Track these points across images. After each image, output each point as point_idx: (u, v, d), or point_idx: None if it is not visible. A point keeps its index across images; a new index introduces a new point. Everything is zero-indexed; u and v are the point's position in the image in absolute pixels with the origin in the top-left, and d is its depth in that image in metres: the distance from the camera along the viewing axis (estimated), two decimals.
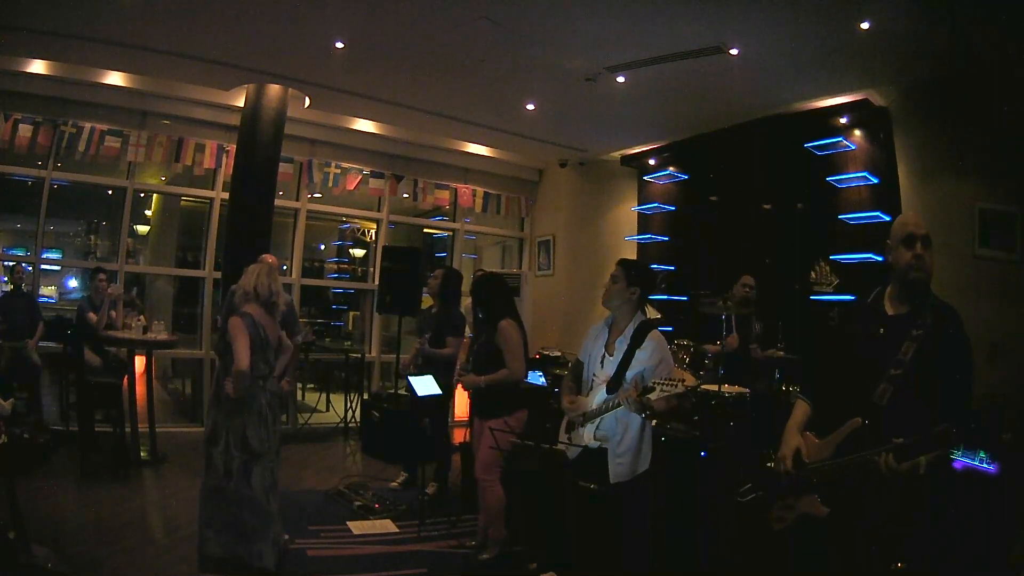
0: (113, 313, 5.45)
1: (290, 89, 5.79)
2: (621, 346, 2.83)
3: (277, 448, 3.36)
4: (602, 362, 2.88)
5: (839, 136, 4.92)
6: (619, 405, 2.70)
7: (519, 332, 3.60)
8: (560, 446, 2.89)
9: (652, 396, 2.54)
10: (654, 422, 3.85)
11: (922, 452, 1.84)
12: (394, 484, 4.92)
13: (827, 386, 2.29)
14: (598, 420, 2.80)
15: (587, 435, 2.82)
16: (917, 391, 1.98)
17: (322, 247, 10.50)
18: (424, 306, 5.21)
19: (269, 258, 4.11)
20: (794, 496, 2.21)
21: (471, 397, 3.85)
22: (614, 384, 2.78)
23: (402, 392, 5.08)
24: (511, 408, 3.52)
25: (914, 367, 2.00)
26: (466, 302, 6.42)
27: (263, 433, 3.20)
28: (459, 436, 6.92)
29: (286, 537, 3.57)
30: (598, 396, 2.83)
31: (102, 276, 5.66)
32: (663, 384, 2.54)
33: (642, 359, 2.77)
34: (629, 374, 2.77)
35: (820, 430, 2.21)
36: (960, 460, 3.00)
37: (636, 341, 2.80)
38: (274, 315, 3.37)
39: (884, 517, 2.02)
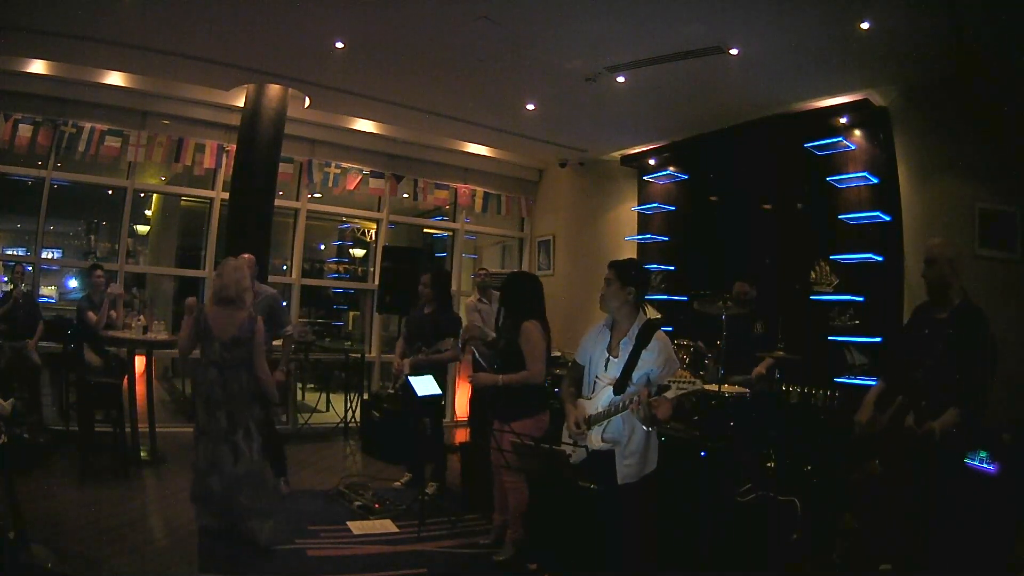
0: (113, 313, 5.44)
1: (290, 89, 5.79)
2: (626, 347, 2.82)
3: (226, 430, 3.38)
4: (606, 365, 2.86)
5: (839, 136, 4.92)
6: (625, 409, 2.69)
7: (542, 334, 3.57)
8: (565, 447, 2.88)
9: (669, 395, 2.55)
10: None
11: (937, 414, 2.56)
12: (398, 484, 4.92)
13: (896, 370, 3.03)
14: (605, 422, 2.79)
15: (594, 437, 2.80)
16: (946, 374, 2.66)
17: (322, 247, 10.50)
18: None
19: (244, 256, 4.30)
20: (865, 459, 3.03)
21: (489, 398, 3.82)
22: (620, 385, 2.77)
23: (392, 391, 5.11)
24: (534, 410, 3.50)
25: (945, 356, 2.70)
26: (470, 300, 6.44)
27: (204, 415, 3.45)
28: (459, 436, 6.95)
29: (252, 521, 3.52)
30: (603, 398, 2.82)
31: (99, 273, 5.65)
32: (679, 383, 2.56)
33: (649, 360, 2.76)
34: (636, 375, 2.76)
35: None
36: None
37: (642, 341, 2.79)
38: (236, 309, 3.43)
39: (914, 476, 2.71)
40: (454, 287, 8.22)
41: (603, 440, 2.79)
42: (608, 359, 2.86)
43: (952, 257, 2.87)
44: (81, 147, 5.95)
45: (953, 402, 2.61)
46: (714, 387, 4.16)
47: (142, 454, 5.08)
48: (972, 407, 2.64)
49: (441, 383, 4.23)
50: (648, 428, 2.71)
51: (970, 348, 2.66)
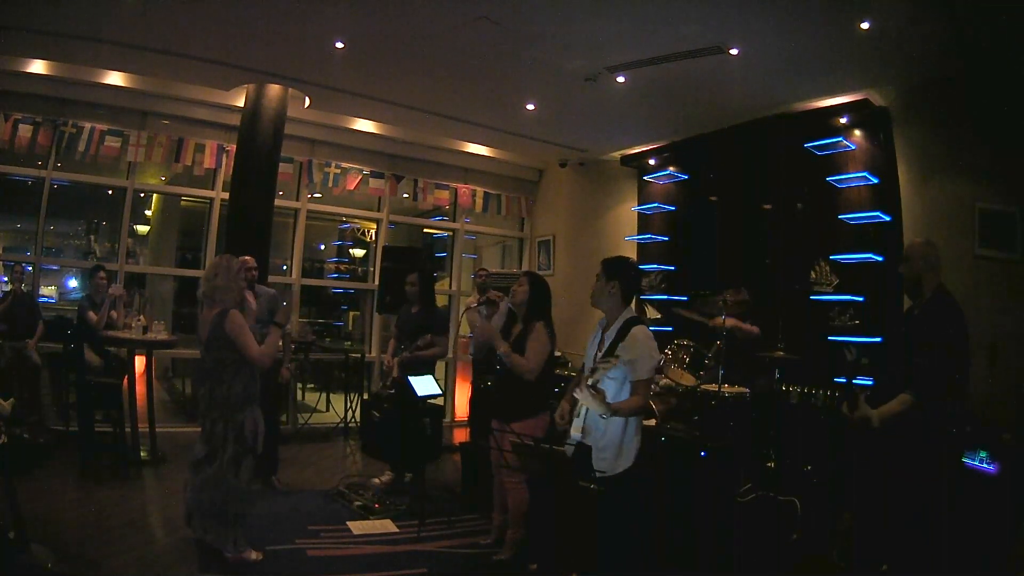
0: (114, 313, 5.44)
1: (290, 89, 5.79)
2: (610, 342, 2.87)
3: (209, 432, 3.33)
4: (595, 360, 2.90)
5: (839, 136, 4.92)
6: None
7: (548, 337, 3.61)
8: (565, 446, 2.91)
9: (595, 376, 2.66)
10: (655, 421, 3.85)
11: (855, 400, 2.80)
12: (376, 481, 4.90)
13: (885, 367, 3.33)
14: (583, 414, 2.85)
15: (573, 428, 2.87)
16: (912, 365, 2.79)
17: (322, 247, 10.50)
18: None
19: (242, 259, 4.30)
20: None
21: (490, 398, 3.85)
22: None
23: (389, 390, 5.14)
24: (534, 410, 3.52)
25: (915, 349, 2.82)
26: (470, 300, 6.43)
27: (202, 407, 3.42)
28: (459, 436, 6.96)
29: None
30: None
31: (102, 275, 5.65)
32: (602, 364, 2.69)
33: (623, 354, 2.78)
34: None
35: None
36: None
37: (620, 337, 2.83)
38: (209, 308, 3.34)
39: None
40: (454, 287, 8.23)
41: (581, 431, 2.85)
42: (596, 356, 2.90)
43: (926, 255, 2.93)
44: (81, 147, 5.94)
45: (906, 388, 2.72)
46: (713, 387, 4.17)
47: (142, 454, 5.08)
48: (925, 392, 2.67)
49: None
50: (603, 415, 2.72)
51: (931, 335, 2.75)
